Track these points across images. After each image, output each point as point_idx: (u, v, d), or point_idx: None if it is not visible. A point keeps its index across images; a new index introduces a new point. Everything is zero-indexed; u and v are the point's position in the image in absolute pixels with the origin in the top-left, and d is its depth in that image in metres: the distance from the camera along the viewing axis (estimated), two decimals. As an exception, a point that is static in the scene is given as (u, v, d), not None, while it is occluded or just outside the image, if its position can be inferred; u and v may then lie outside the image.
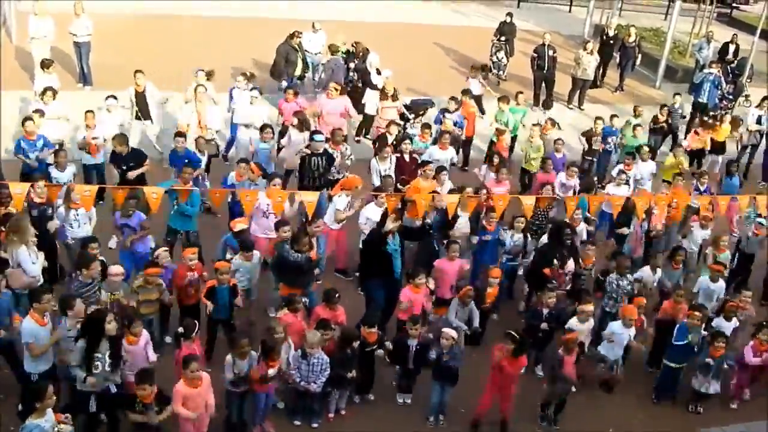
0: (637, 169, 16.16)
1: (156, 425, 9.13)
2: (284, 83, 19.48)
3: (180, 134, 14.44)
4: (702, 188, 15.33)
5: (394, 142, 15.52)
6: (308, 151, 14.30)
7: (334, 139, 14.74)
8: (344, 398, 10.81)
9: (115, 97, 15.64)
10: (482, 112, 20.27)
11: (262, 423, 10.21)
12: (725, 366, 11.49)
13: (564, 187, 14.99)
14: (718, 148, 18.94)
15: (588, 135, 17.57)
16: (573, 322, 11.32)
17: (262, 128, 15.32)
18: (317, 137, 14.35)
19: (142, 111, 16.21)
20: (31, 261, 10.68)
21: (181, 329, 9.99)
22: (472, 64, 21.44)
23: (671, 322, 11.68)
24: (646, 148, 16.85)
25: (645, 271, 12.76)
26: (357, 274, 13.13)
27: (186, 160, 13.70)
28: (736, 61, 24.86)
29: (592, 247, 12.89)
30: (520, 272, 13.43)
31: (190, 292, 11.14)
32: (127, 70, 16.72)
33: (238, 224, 12.15)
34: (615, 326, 11.46)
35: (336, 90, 17.07)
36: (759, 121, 19.71)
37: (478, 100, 20.66)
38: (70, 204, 11.95)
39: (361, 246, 12.58)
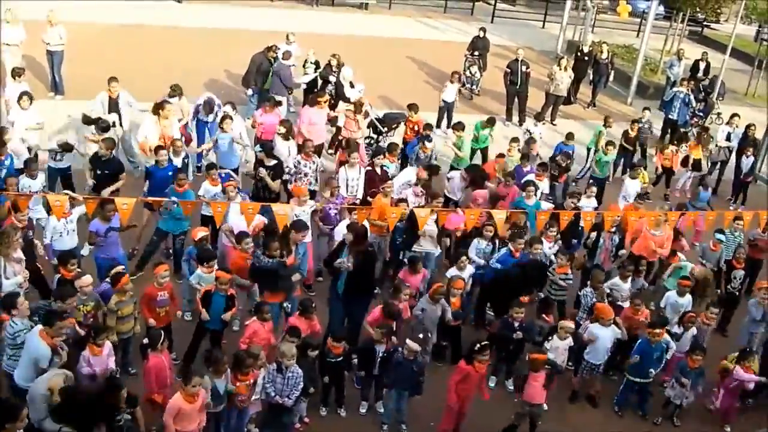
0: (624, 187, 16.54)
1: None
2: (250, 91, 19.45)
3: (161, 147, 14.17)
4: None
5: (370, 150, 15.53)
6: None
7: (305, 150, 14.73)
8: (304, 407, 10.70)
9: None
10: (450, 121, 20.28)
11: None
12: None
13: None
14: (693, 164, 19.07)
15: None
16: (554, 340, 11.31)
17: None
18: (258, 149, 14.63)
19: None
20: (3, 276, 10.48)
21: (146, 339, 9.88)
22: (453, 71, 21.48)
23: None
24: (638, 168, 17.02)
25: (616, 282, 12.83)
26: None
27: (170, 172, 13.61)
28: (707, 79, 25.17)
29: (563, 257, 12.93)
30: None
31: (161, 314, 10.89)
32: (100, 80, 16.61)
33: (200, 232, 12.14)
34: (594, 328, 11.53)
35: (324, 101, 17.03)
36: (728, 138, 19.98)
37: (449, 108, 20.78)
38: (60, 214, 11.57)
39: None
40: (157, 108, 15.46)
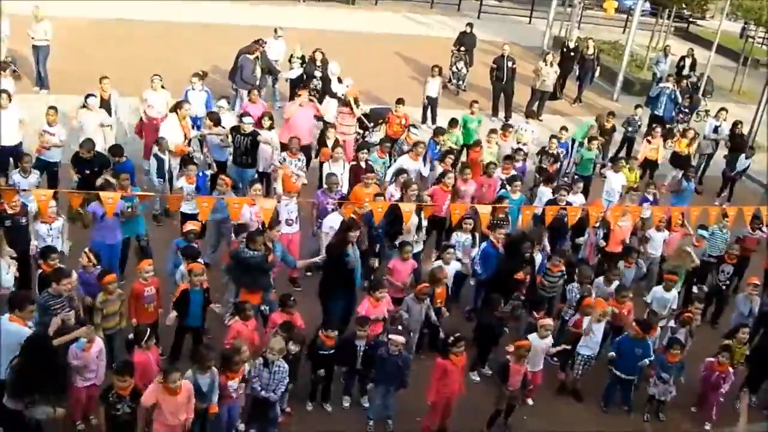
0: (608, 182, 16.46)
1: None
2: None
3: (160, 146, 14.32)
4: (651, 199, 15.38)
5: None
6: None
7: (290, 147, 14.70)
8: (285, 398, 10.62)
9: (95, 95, 15.46)
10: (434, 117, 20.35)
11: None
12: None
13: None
14: (682, 161, 19.02)
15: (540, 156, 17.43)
16: (533, 338, 11.20)
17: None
18: (245, 119, 14.96)
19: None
20: (3, 272, 10.44)
21: (131, 335, 9.82)
22: (433, 65, 21.37)
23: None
24: (622, 161, 16.95)
25: (599, 282, 12.80)
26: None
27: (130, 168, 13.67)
28: (693, 75, 25.25)
29: (558, 258, 12.88)
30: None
31: (149, 309, 10.82)
32: (85, 75, 16.59)
33: (189, 225, 12.02)
34: (589, 321, 11.58)
35: (310, 99, 17.03)
36: (715, 131, 20.08)
37: (433, 103, 20.77)
38: (43, 219, 11.51)
39: (322, 255, 12.44)
40: (176, 107, 15.38)
